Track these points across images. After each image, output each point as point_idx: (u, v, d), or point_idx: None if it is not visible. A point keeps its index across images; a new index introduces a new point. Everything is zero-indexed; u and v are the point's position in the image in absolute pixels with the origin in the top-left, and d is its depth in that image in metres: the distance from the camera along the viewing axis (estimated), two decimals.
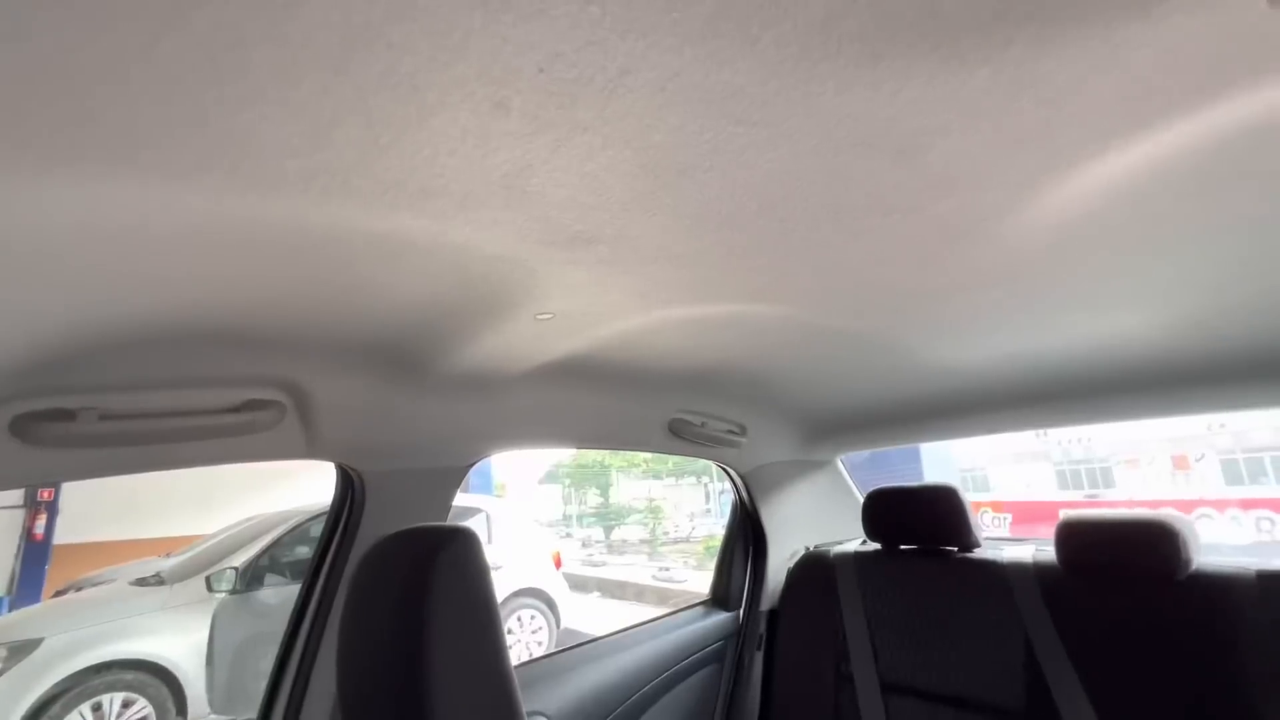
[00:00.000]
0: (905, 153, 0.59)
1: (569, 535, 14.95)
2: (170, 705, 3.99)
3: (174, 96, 0.40)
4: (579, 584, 8.72)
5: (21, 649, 3.67)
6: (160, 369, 0.92)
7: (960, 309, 1.09)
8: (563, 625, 5.70)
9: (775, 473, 2.03)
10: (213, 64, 0.37)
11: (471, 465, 1.34)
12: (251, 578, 4.23)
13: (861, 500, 1.81)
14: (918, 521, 1.66)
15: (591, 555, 12.49)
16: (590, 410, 1.50)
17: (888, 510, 1.72)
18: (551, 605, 5.72)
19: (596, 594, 9.18)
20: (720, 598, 2.01)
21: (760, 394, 1.70)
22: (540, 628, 5.55)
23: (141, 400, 0.91)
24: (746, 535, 2.04)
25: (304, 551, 4.43)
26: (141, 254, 0.65)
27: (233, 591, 4.14)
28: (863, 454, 2.27)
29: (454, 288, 0.85)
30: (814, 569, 1.83)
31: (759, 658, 1.88)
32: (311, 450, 1.11)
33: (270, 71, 0.40)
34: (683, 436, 1.71)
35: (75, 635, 3.87)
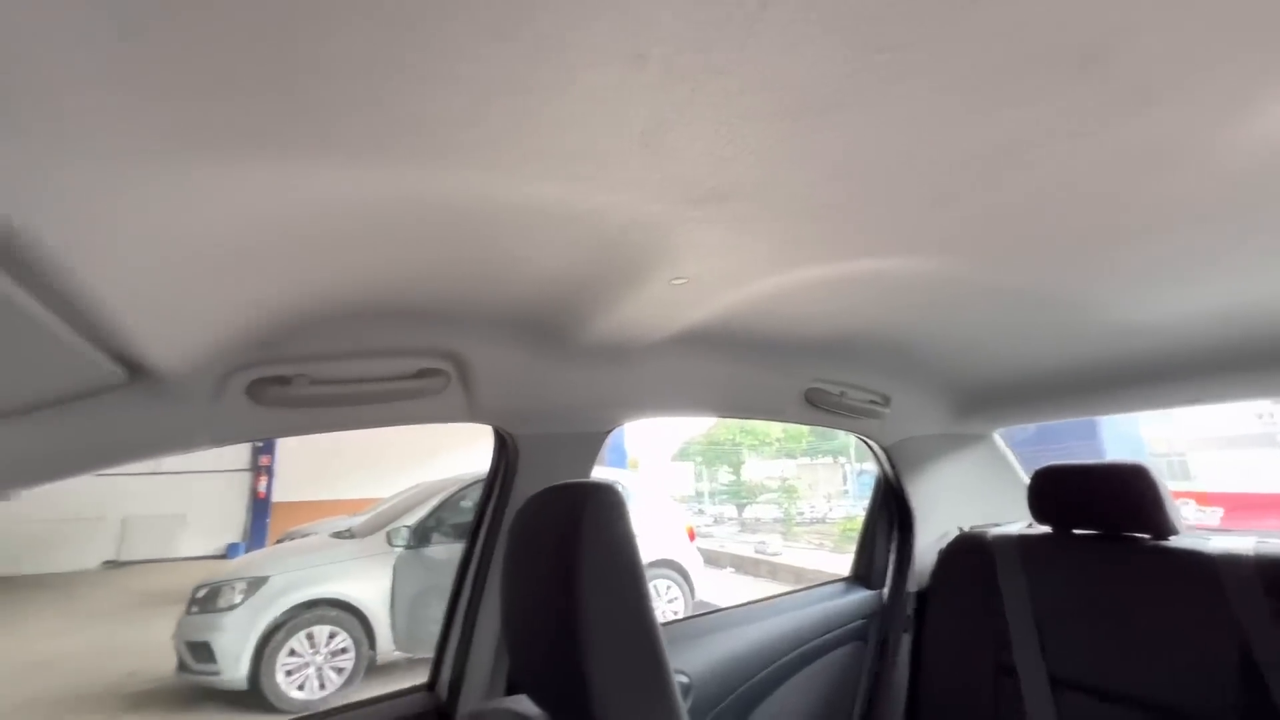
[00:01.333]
0: (1087, 60, 0.51)
1: (701, 512, 15.11)
2: (364, 639, 4.67)
3: (359, 76, 0.44)
4: (712, 559, 8.81)
5: (256, 583, 4.50)
6: (351, 342, 1.06)
7: (1153, 254, 0.94)
8: (697, 597, 5.82)
9: (922, 446, 1.90)
10: (396, 42, 0.41)
11: (610, 431, 1.40)
12: (421, 536, 4.81)
13: (1024, 479, 1.64)
14: (1099, 503, 1.47)
15: (696, 528, 12.48)
16: (724, 378, 1.50)
17: (1061, 490, 1.54)
18: (686, 577, 5.85)
19: (730, 569, 9.22)
20: (862, 575, 1.94)
21: (905, 361, 1.59)
22: (676, 598, 5.70)
23: (338, 369, 1.06)
24: (891, 512, 1.94)
25: (459, 516, 4.95)
26: (336, 237, 0.75)
27: (407, 547, 4.73)
28: (1026, 428, 2.05)
29: (593, 256, 0.88)
30: (970, 551, 1.70)
31: (906, 639, 1.79)
32: (472, 414, 1.22)
33: (441, 44, 0.42)
34: (820, 406, 1.65)
35: (292, 576, 4.65)
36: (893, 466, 1.88)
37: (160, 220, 0.56)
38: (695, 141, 0.59)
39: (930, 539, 1.85)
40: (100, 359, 0.74)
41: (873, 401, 1.72)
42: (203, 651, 4.34)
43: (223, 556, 10.53)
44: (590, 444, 1.36)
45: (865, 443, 1.90)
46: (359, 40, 0.40)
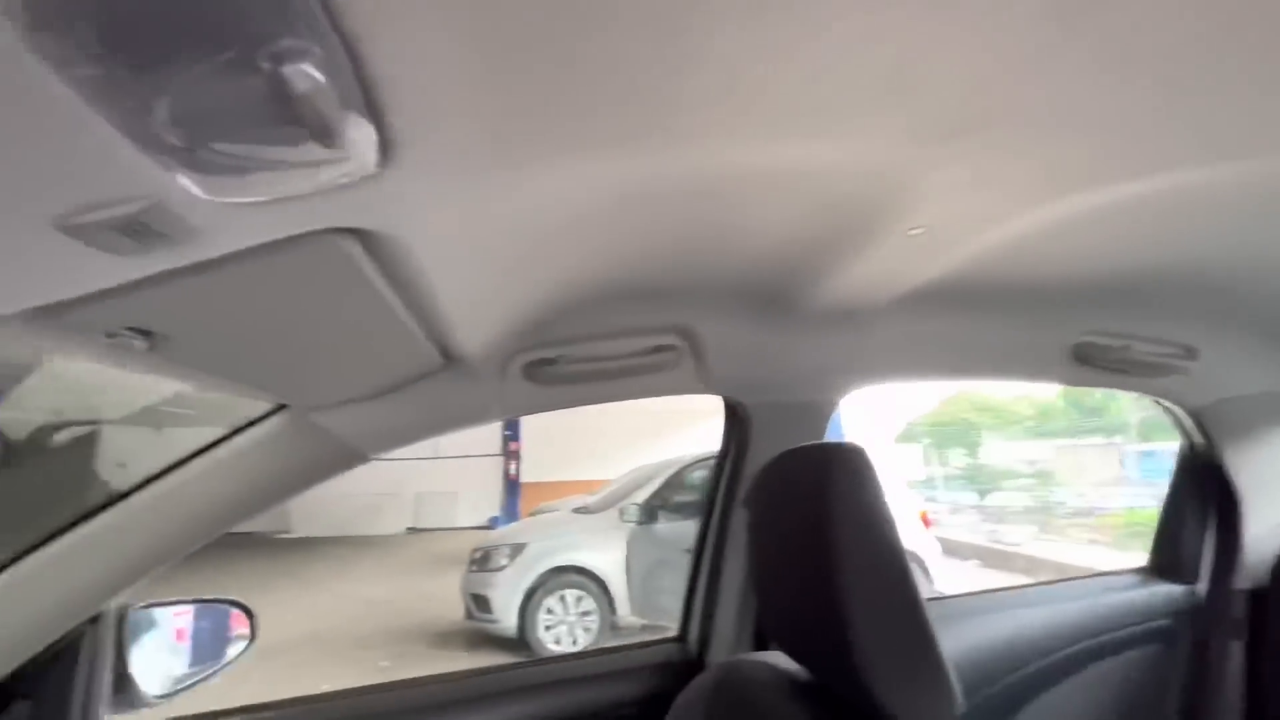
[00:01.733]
0: None
1: (933, 499, 13.75)
2: (605, 604, 5.20)
3: (630, 70, 0.48)
4: (951, 549, 8.00)
5: (517, 549, 5.28)
6: (597, 323, 1.18)
7: None
8: (935, 589, 5.34)
9: (1251, 409, 1.51)
10: (660, 29, 0.44)
11: (841, 398, 1.36)
12: (648, 512, 5.18)
13: None
14: None
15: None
16: (969, 337, 1.35)
17: None
18: (923, 567, 5.41)
19: (975, 562, 8.28)
20: (1165, 566, 1.62)
21: (1219, 301, 1.27)
22: None
23: (588, 349, 1.19)
24: (1203, 490, 1.58)
25: (679, 494, 5.23)
26: (590, 226, 0.84)
27: (638, 522, 5.14)
28: None
29: (823, 215, 0.86)
30: None
31: (1237, 648, 1.45)
32: (704, 386, 1.28)
33: (700, 24, 0.44)
34: (1095, 364, 1.40)
35: (543, 545, 5.35)
36: (1205, 435, 1.53)
37: (477, 225, 0.69)
38: (946, 69, 0.54)
39: (1268, 525, 1.47)
40: (430, 349, 0.93)
41: (1171, 355, 1.41)
42: (483, 603, 5.22)
43: (487, 527, 12.47)
44: (821, 412, 1.33)
45: (1162, 405, 1.57)
46: (633, 35, 0.44)
